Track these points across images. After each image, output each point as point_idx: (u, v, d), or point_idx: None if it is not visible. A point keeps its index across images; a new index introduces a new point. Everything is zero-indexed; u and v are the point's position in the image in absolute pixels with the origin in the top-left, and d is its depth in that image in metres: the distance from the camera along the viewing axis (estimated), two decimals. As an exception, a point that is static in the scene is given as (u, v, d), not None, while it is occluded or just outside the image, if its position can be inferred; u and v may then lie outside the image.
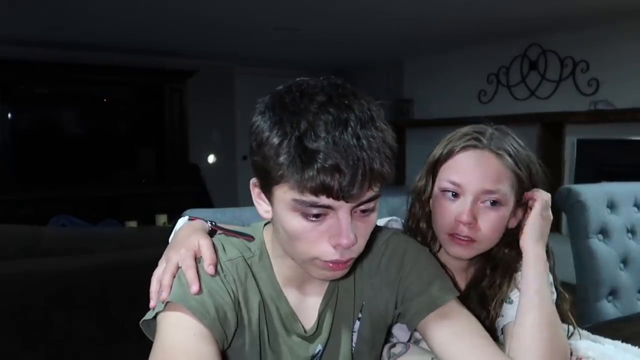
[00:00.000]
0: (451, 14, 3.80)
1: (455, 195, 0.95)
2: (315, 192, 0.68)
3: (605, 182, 2.19)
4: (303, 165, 0.67)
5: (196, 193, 5.52)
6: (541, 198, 0.95)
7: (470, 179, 0.94)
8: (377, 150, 0.69)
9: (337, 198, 0.69)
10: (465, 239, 0.94)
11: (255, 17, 3.97)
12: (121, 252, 1.58)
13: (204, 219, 0.93)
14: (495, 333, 1.00)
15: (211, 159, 6.24)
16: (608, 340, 1.13)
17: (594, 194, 1.75)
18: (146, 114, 5.56)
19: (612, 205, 1.78)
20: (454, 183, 0.95)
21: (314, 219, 0.71)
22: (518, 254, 0.97)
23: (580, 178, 4.23)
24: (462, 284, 1.05)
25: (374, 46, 5.11)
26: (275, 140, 0.69)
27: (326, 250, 0.73)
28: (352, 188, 0.68)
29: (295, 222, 0.72)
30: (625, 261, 1.78)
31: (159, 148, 5.60)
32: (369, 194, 0.71)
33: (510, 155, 0.96)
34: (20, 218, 4.28)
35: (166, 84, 5.50)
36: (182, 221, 0.97)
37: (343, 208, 0.71)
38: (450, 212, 0.95)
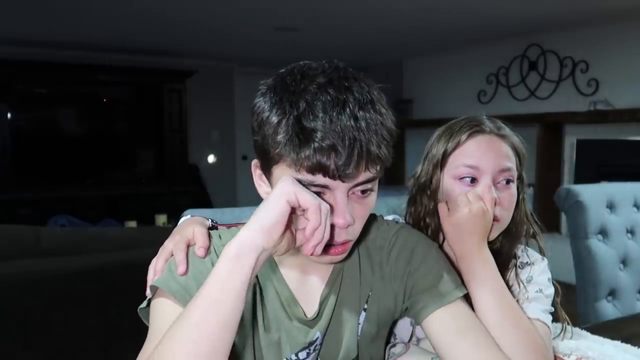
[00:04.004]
0: (451, 14, 3.81)
1: (472, 180, 0.97)
2: (312, 170, 0.69)
3: (605, 182, 2.19)
4: (300, 144, 0.69)
5: (196, 193, 5.52)
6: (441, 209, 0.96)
7: (486, 160, 0.96)
8: (374, 132, 0.70)
9: (333, 177, 0.70)
10: (494, 218, 0.96)
11: (255, 17, 3.97)
12: (121, 252, 1.57)
13: (205, 217, 0.94)
14: None
15: (211, 159, 6.24)
16: (608, 341, 1.13)
17: (593, 194, 1.75)
18: (146, 114, 5.56)
19: (611, 206, 1.78)
20: (471, 166, 0.97)
21: None
22: (513, 240, 1.02)
23: (579, 178, 4.23)
24: None
25: (374, 46, 5.11)
26: (274, 119, 0.71)
27: None
28: (348, 168, 0.69)
29: None
30: (624, 261, 1.78)
31: (158, 148, 5.60)
32: (366, 175, 0.72)
33: (510, 137, 1.01)
34: (19, 218, 4.29)
35: (166, 84, 5.51)
36: (184, 218, 0.98)
37: (340, 188, 0.72)
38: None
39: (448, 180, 1.00)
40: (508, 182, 0.98)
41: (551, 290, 1.02)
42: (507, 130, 1.02)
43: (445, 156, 1.00)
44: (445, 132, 1.03)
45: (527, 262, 1.05)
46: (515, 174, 0.99)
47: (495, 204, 0.95)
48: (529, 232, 1.05)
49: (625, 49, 3.97)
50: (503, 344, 0.83)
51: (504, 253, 1.02)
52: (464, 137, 0.99)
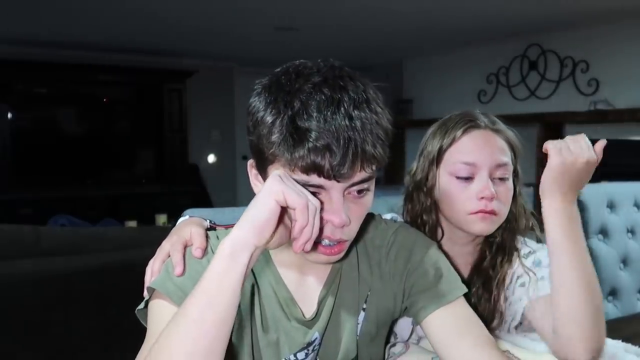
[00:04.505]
0: (451, 13, 3.80)
1: (470, 177, 0.97)
2: (306, 170, 0.69)
3: (605, 182, 2.19)
4: (294, 144, 0.68)
5: (196, 193, 5.51)
6: (552, 149, 0.87)
7: (483, 156, 0.97)
8: (369, 131, 0.70)
9: (328, 177, 0.70)
10: (491, 212, 0.96)
11: (255, 17, 3.97)
12: (121, 252, 1.57)
13: (203, 218, 0.94)
14: (499, 316, 1.03)
15: (211, 158, 6.23)
16: (608, 340, 1.13)
17: (593, 194, 1.75)
18: (146, 114, 5.55)
19: (612, 205, 1.78)
20: (467, 163, 0.98)
21: None
22: (514, 232, 1.03)
23: (580, 178, 4.22)
24: (468, 269, 1.07)
25: (374, 46, 5.11)
26: (269, 119, 0.71)
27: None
28: (343, 168, 0.69)
29: None
30: (625, 261, 1.78)
31: (158, 148, 5.60)
32: (361, 175, 0.72)
33: (504, 131, 1.02)
34: (19, 218, 4.29)
35: (166, 84, 5.50)
36: (182, 219, 0.98)
37: (335, 188, 0.71)
38: (470, 193, 0.97)
39: (445, 177, 1.00)
40: (504, 176, 0.98)
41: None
42: (501, 125, 1.02)
43: (441, 152, 1.01)
44: (440, 128, 1.03)
45: (529, 252, 1.05)
46: (511, 168, 0.99)
47: (492, 199, 0.96)
48: (528, 225, 1.06)
49: (626, 48, 3.97)
50: (570, 305, 0.84)
51: (506, 246, 1.04)
52: (459, 132, 0.99)
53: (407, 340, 1.02)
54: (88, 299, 1.49)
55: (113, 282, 1.50)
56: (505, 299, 1.03)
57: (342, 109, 0.69)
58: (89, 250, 1.58)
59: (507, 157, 0.99)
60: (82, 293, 1.49)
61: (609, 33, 4.05)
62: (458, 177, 0.98)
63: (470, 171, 0.97)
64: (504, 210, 0.99)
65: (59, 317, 1.44)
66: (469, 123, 1.00)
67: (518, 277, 1.03)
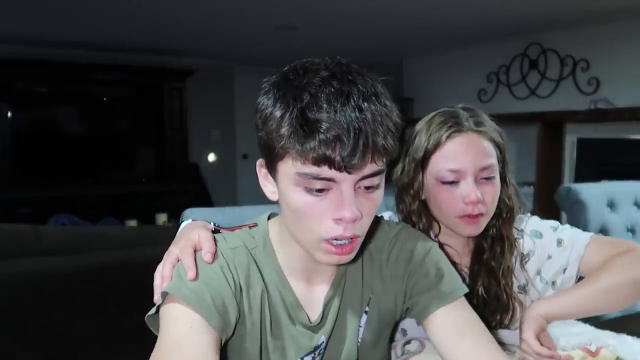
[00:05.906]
0: (451, 12, 3.80)
1: (455, 181, 0.99)
2: (317, 162, 0.69)
3: (605, 181, 2.19)
4: (305, 135, 0.68)
5: (196, 192, 5.51)
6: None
7: (467, 163, 0.98)
8: (380, 123, 0.70)
9: (339, 169, 0.69)
10: (477, 215, 0.98)
11: (255, 16, 3.97)
12: (121, 252, 1.57)
13: (207, 221, 0.94)
14: (511, 304, 1.05)
15: (211, 157, 6.23)
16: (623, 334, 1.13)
17: (594, 193, 1.75)
18: (146, 113, 5.55)
19: (612, 204, 1.78)
20: (453, 171, 0.99)
21: (317, 193, 0.71)
22: (510, 221, 1.05)
23: (580, 177, 4.22)
24: (468, 258, 1.09)
25: (373, 45, 5.10)
26: (278, 114, 0.70)
27: (329, 227, 0.73)
28: (353, 158, 0.68)
29: (298, 197, 0.72)
30: (625, 260, 1.77)
31: (158, 147, 5.60)
32: (372, 167, 0.71)
33: (487, 129, 1.02)
34: (19, 217, 4.29)
35: (166, 83, 5.50)
36: (186, 222, 0.97)
37: (346, 181, 0.71)
38: (456, 197, 0.99)
39: (431, 181, 1.02)
40: (490, 177, 1.00)
41: (557, 222, 1.08)
42: (484, 124, 1.02)
43: (426, 157, 1.02)
44: (425, 129, 1.04)
45: (520, 230, 1.08)
46: (496, 167, 1.01)
47: (478, 203, 0.98)
48: (519, 209, 1.08)
49: (626, 47, 3.97)
50: None
51: (504, 236, 1.05)
52: (443, 137, 1.00)
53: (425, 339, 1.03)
54: (88, 299, 1.49)
55: (113, 281, 1.50)
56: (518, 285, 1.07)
57: (351, 101, 0.69)
58: (89, 249, 1.58)
59: (491, 158, 1.00)
60: (83, 292, 1.49)
61: (610, 32, 4.05)
62: (443, 182, 1.00)
63: (455, 177, 0.99)
64: (491, 210, 1.01)
65: (59, 316, 1.44)
66: (453, 127, 1.00)
67: (523, 257, 1.06)
